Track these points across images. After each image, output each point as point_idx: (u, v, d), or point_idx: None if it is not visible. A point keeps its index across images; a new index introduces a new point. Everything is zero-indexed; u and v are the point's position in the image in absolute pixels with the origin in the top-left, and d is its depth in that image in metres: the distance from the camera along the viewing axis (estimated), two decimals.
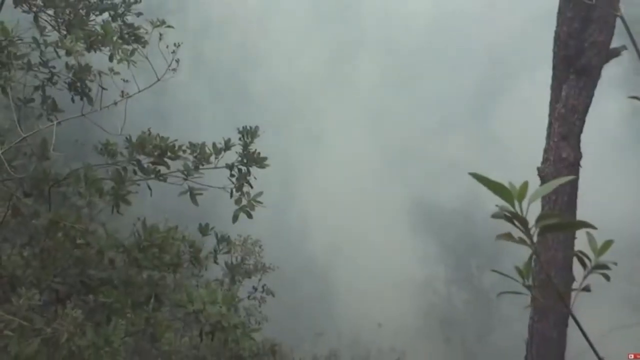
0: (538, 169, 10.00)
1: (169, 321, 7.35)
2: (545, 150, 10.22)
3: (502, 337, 25.96)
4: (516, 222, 1.64)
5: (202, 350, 13.50)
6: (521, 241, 1.63)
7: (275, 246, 20.73)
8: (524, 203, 1.63)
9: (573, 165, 10.12)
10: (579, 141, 10.18)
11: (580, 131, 10.21)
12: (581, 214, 9.57)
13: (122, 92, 7.21)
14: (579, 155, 10.16)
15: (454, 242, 25.02)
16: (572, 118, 10.09)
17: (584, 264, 1.86)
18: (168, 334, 10.91)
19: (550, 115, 10.34)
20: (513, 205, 1.64)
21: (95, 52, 7.02)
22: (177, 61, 7.55)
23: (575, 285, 10.56)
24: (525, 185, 1.63)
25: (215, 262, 7.31)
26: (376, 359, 20.42)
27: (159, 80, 7.43)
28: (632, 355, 7.22)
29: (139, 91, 7.20)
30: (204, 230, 7.22)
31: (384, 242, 24.58)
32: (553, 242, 9.73)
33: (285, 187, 24.21)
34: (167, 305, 6.85)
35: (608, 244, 1.83)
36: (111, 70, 7.07)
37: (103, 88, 7.19)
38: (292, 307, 23.26)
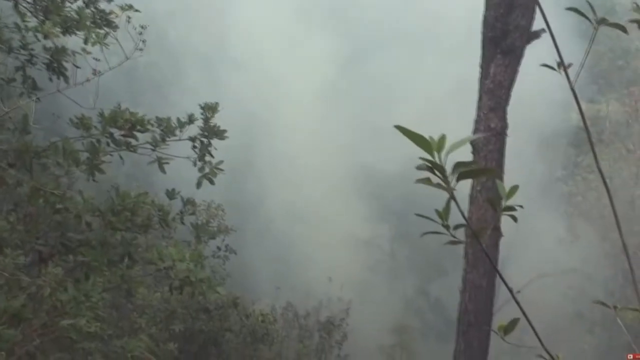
0: (469, 138, 10.24)
1: (141, 277, 7.45)
2: (476, 121, 10.48)
3: (439, 287, 26.42)
4: (435, 171, 1.77)
5: (173, 303, 13.60)
6: (439, 186, 1.77)
7: (236, 210, 20.78)
8: (443, 154, 1.76)
9: (500, 134, 10.41)
10: (505, 112, 10.45)
11: (507, 104, 10.48)
12: (507, 176, 9.84)
13: (94, 70, 7.23)
14: (505, 125, 10.44)
15: (396, 203, 25.30)
16: (499, 92, 10.36)
17: (495, 207, 2.00)
18: (142, 290, 11.02)
19: (480, 89, 10.59)
20: (433, 156, 1.76)
21: (70, 35, 7.01)
22: (144, 42, 7.59)
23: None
24: (443, 138, 1.75)
25: (182, 222, 7.39)
26: (327, 308, 20.61)
27: (127, 59, 7.47)
28: (632, 356, 7.40)
29: (110, 69, 7.24)
30: (170, 194, 7.31)
31: (333, 205, 24.77)
32: (483, 203, 10.03)
33: (244, 156, 24.17)
34: (140, 263, 6.94)
35: (514, 188, 1.97)
36: (84, 50, 7.08)
37: (77, 67, 7.20)
38: (252, 264, 23.39)
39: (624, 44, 26.29)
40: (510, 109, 10.54)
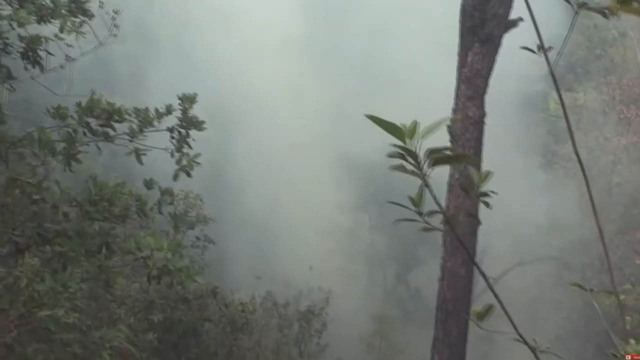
0: (448, 126, 10.28)
1: (120, 268, 7.42)
2: (454, 110, 10.51)
3: (418, 276, 26.56)
4: (408, 158, 1.78)
5: (152, 294, 13.59)
6: (413, 173, 1.78)
7: (215, 200, 20.75)
8: (415, 140, 1.76)
9: (478, 123, 10.44)
10: (483, 101, 10.49)
11: (484, 92, 10.53)
12: (486, 164, 9.90)
13: (67, 56, 7.20)
14: (483, 114, 10.48)
15: (375, 193, 25.35)
16: (476, 81, 10.38)
17: (467, 193, 2.02)
18: (120, 280, 10.99)
19: (458, 78, 10.62)
20: (405, 143, 1.76)
21: (45, 24, 6.95)
22: (117, 27, 7.57)
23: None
24: (414, 124, 1.76)
25: (160, 212, 7.37)
26: (307, 298, 20.66)
27: (101, 44, 7.44)
28: (630, 357, 7.44)
29: (82, 54, 7.21)
30: (148, 184, 7.28)
31: (313, 194, 24.79)
32: (461, 191, 10.07)
33: (223, 146, 24.12)
34: (118, 253, 6.91)
35: (488, 174, 1.99)
36: (56, 36, 7.02)
37: (50, 54, 7.15)
38: (231, 254, 23.40)
39: (601, 34, 26.46)
40: (489, 98, 10.59)
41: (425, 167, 1.80)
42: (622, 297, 16.52)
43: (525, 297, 21.20)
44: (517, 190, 22.77)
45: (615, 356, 3.54)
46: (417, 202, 1.88)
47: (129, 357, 10.00)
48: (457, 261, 10.31)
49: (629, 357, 7.40)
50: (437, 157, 1.77)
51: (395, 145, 1.76)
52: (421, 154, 1.80)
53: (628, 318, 15.32)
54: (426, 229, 1.95)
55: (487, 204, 2.06)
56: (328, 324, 19.81)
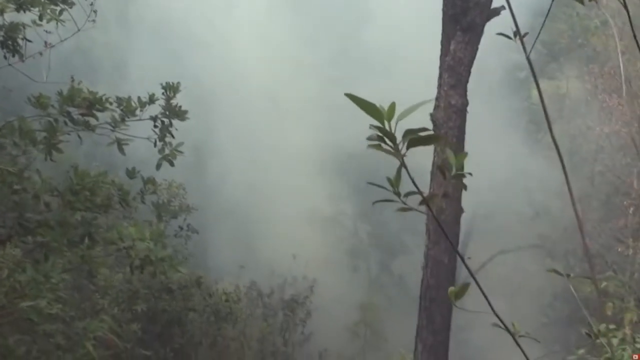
0: (430, 114, 10.31)
1: (103, 258, 7.39)
2: (437, 98, 10.52)
3: (402, 264, 26.63)
4: (386, 139, 1.79)
5: (135, 284, 13.55)
6: (389, 152, 1.79)
7: (198, 189, 20.68)
8: (393, 122, 1.77)
9: (461, 111, 10.47)
10: (465, 89, 10.52)
11: (467, 81, 10.55)
12: (469, 152, 9.93)
13: (46, 42, 7.15)
14: (465, 102, 10.50)
15: (358, 181, 25.36)
16: (459, 69, 10.40)
17: (444, 175, 2.03)
18: (103, 270, 10.94)
19: (440, 67, 10.63)
20: (383, 124, 1.78)
21: (25, 12, 6.88)
22: (95, 12, 7.51)
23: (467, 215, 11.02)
24: (392, 106, 1.77)
25: (143, 202, 7.34)
26: (291, 286, 20.68)
27: (79, 30, 7.39)
28: (637, 356, 7.47)
29: (61, 41, 7.16)
30: (130, 173, 7.25)
31: (296, 183, 24.73)
32: (445, 180, 10.10)
33: (206, 136, 24.02)
34: (100, 243, 6.88)
35: (462, 156, 2.00)
36: (34, 22, 6.96)
37: (28, 40, 7.09)
38: (215, 244, 23.33)
39: (583, 22, 26.56)
40: (471, 86, 10.61)
41: (402, 148, 1.81)
42: (604, 284, 16.66)
43: (508, 285, 21.34)
44: (500, 178, 22.88)
45: (589, 335, 3.58)
46: (394, 183, 1.89)
47: (113, 347, 9.99)
48: (440, 249, 10.35)
49: (636, 357, 7.44)
50: (414, 138, 1.78)
51: (373, 127, 1.78)
52: (400, 136, 1.81)
53: (610, 304, 15.49)
54: (403, 209, 1.95)
55: (464, 186, 2.08)
56: (312, 312, 19.86)
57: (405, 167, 1.84)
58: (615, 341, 8.78)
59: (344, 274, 25.43)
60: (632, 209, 19.20)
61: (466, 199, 10.59)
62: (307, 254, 22.22)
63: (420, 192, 1.93)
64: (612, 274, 18.42)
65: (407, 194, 1.91)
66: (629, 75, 18.06)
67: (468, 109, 10.52)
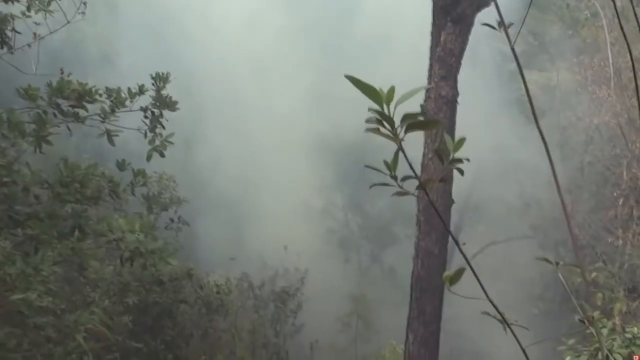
0: (421, 105, 10.31)
1: (93, 250, 7.37)
2: (427, 89, 10.52)
3: (393, 255, 26.71)
4: (385, 123, 1.79)
5: (126, 276, 13.53)
6: (387, 136, 1.79)
7: (188, 181, 20.63)
8: (392, 105, 1.78)
9: (451, 102, 10.48)
10: (455, 81, 10.52)
11: (457, 72, 10.55)
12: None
13: (35, 34, 7.11)
14: (456, 93, 10.51)
15: (349, 172, 25.40)
16: (449, 60, 10.40)
17: (442, 160, 2.03)
18: (94, 263, 10.91)
19: (430, 58, 10.63)
20: (382, 108, 1.78)
21: (13, 3, 6.83)
22: (85, 3, 7.47)
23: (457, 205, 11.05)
24: (392, 89, 1.77)
25: (133, 194, 7.31)
26: (282, 278, 20.70)
27: (68, 22, 7.36)
28: (638, 357, 7.52)
29: (50, 33, 7.13)
30: (121, 165, 7.22)
31: (287, 174, 24.72)
32: (434, 170, 10.12)
33: (196, 128, 23.96)
34: (90, 236, 6.85)
35: (462, 141, 2.00)
36: (23, 13, 6.92)
37: (17, 32, 7.05)
38: (206, 236, 23.30)
39: (573, 14, 26.57)
40: (461, 77, 10.61)
41: (401, 132, 1.81)
42: (594, 274, 16.72)
43: (498, 277, 21.41)
44: (490, 169, 22.93)
45: (582, 321, 3.60)
46: (391, 166, 1.89)
47: (104, 339, 9.98)
48: (431, 240, 10.36)
49: (637, 358, 7.46)
50: (412, 122, 1.79)
51: (372, 110, 1.78)
52: (397, 120, 1.82)
53: (599, 295, 15.58)
54: (400, 193, 1.95)
55: (461, 172, 2.09)
56: (304, 304, 19.90)
57: (403, 151, 1.84)
58: (605, 331, 8.85)
59: (335, 265, 25.49)
60: (621, 199, 19.28)
61: (457, 190, 10.61)
62: (299, 245, 22.24)
63: (417, 177, 1.93)
64: (602, 264, 18.52)
65: (404, 178, 1.91)
66: (619, 67, 18.12)
67: (458, 100, 10.53)
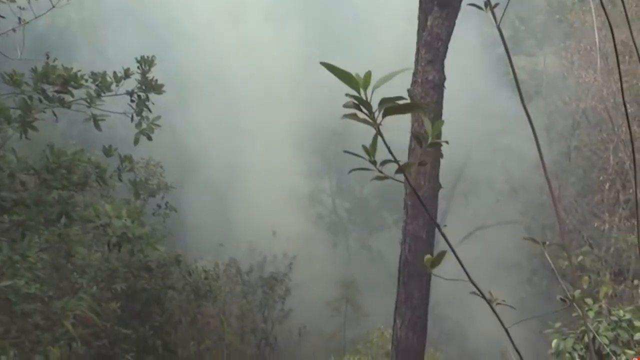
0: (408, 90, 10.28)
1: (80, 236, 7.33)
2: (414, 74, 10.47)
3: (381, 240, 26.79)
4: (362, 108, 1.79)
5: (114, 262, 13.49)
6: (365, 121, 1.79)
7: (176, 167, 20.60)
8: (369, 90, 1.77)
9: (438, 87, 10.44)
10: (442, 65, 10.48)
11: (444, 56, 10.52)
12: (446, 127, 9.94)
13: (19, 19, 7.05)
14: (443, 78, 10.48)
15: (336, 159, 25.44)
16: (436, 45, 10.35)
17: (420, 143, 2.03)
18: (81, 249, 10.87)
19: (417, 42, 10.58)
20: (359, 93, 1.78)
21: None
22: None
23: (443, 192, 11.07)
24: (369, 74, 1.77)
25: (120, 179, 7.26)
26: (271, 264, 20.75)
27: (53, 7, 7.29)
28: (638, 359, 7.53)
29: (35, 17, 7.06)
30: (107, 151, 7.17)
31: (275, 161, 24.76)
32: (421, 155, 10.11)
33: (183, 114, 23.91)
34: (77, 222, 6.81)
35: (440, 124, 2.00)
36: None
37: (1, 17, 6.98)
38: (194, 222, 23.32)
39: None
40: (449, 62, 10.59)
41: (378, 116, 1.81)
42: (580, 257, 16.78)
43: (486, 261, 21.54)
44: (478, 153, 23.00)
45: (564, 300, 3.62)
46: (371, 151, 1.89)
47: (92, 325, 9.95)
48: (418, 224, 10.35)
49: None
50: (390, 106, 1.78)
51: (349, 95, 1.77)
52: (376, 104, 1.81)
53: (586, 278, 15.67)
54: (379, 178, 1.95)
55: (441, 155, 2.10)
56: (292, 289, 19.96)
57: (382, 136, 1.84)
58: (591, 314, 8.93)
59: (324, 250, 25.58)
60: (608, 184, 19.37)
61: (444, 175, 10.63)
62: (287, 231, 22.31)
63: (396, 160, 1.93)
64: (589, 248, 18.63)
65: (383, 162, 1.91)
66: (606, 52, 18.13)
67: (445, 84, 10.50)
